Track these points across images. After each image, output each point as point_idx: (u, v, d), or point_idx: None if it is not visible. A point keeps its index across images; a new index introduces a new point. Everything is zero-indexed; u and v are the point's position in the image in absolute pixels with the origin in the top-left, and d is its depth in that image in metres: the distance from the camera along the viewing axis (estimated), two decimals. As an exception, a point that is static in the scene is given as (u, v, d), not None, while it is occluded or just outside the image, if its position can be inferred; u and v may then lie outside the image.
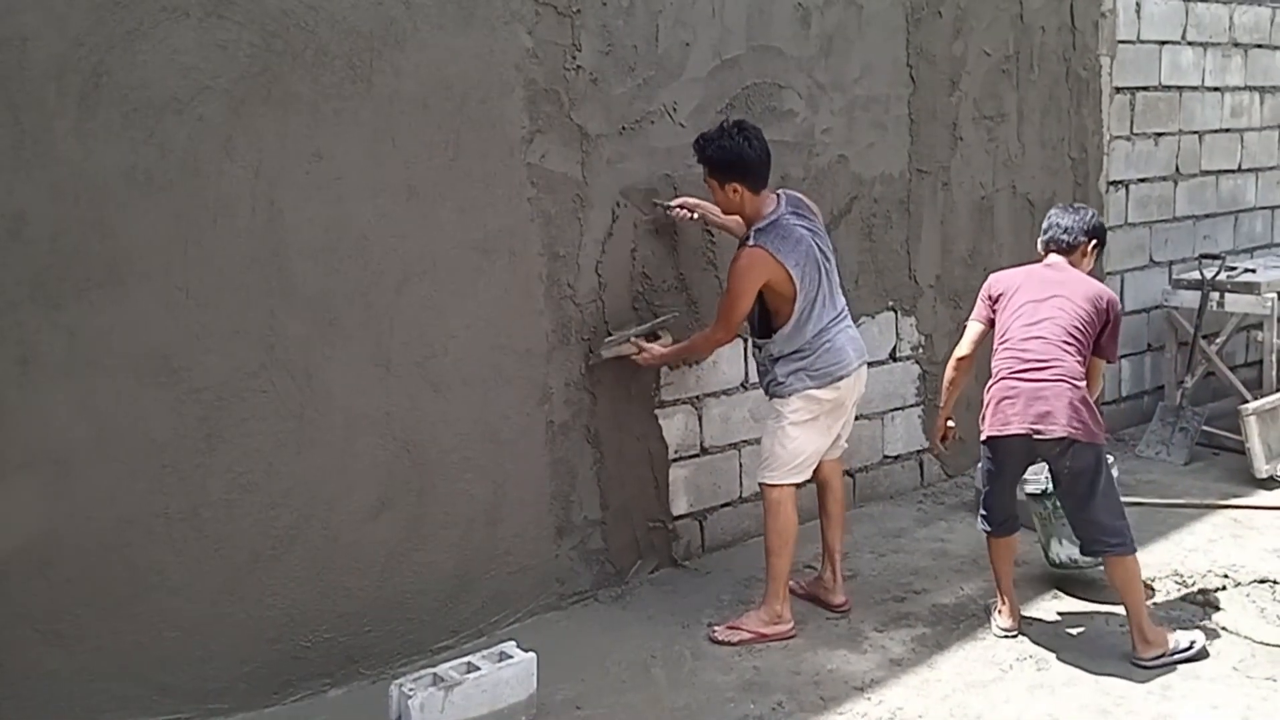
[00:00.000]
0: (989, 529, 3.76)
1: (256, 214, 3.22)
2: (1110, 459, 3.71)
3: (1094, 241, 3.83)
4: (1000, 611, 3.77)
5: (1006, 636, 3.72)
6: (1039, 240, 3.94)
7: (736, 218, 3.84)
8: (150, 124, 3.02)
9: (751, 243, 3.63)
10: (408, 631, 3.60)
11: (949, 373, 3.94)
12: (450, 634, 3.69)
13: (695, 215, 4.00)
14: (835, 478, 3.99)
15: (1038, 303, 3.63)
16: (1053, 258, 3.81)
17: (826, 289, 3.72)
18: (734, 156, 3.61)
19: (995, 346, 3.70)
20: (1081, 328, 3.56)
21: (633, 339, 3.93)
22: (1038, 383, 3.49)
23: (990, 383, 3.65)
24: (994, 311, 3.77)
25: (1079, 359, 3.53)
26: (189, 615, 3.20)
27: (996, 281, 3.85)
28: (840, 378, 3.70)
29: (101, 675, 3.08)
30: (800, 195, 3.83)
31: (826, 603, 3.93)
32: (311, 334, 3.35)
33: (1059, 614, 3.88)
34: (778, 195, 3.73)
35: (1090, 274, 3.81)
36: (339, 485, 3.44)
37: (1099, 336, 3.61)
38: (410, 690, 3.05)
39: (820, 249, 3.72)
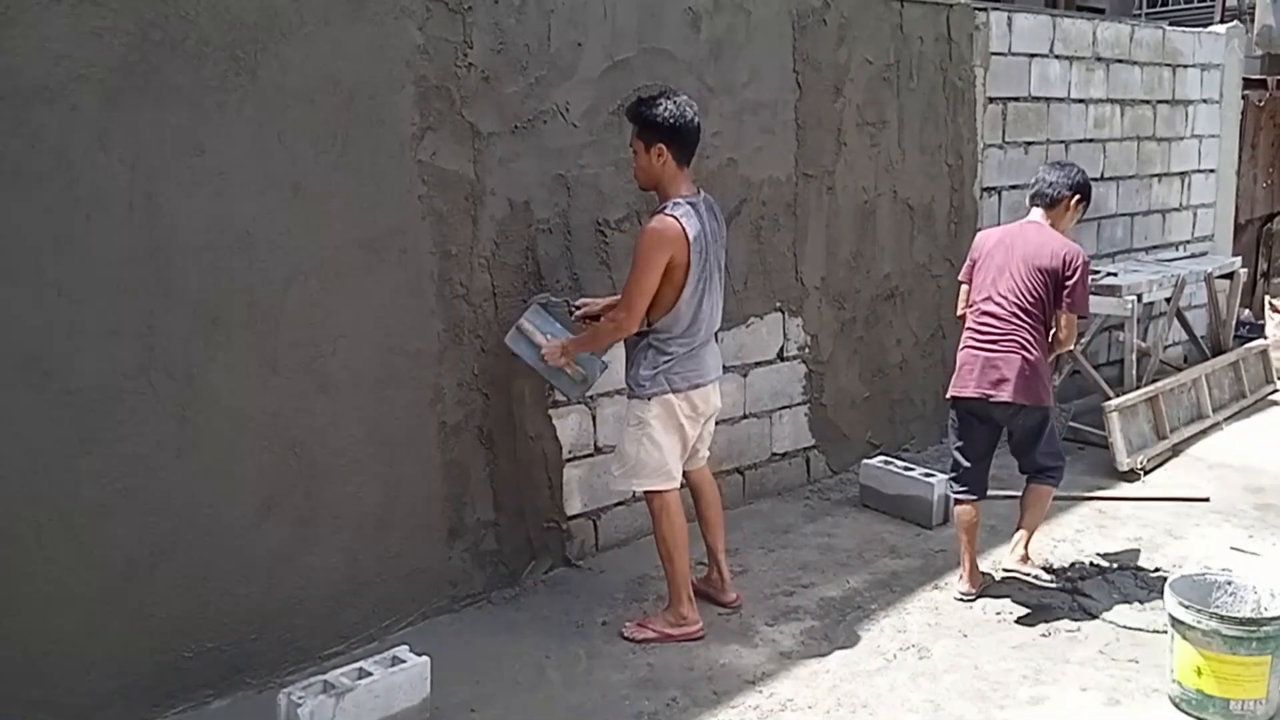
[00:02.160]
0: (958, 492, 4.10)
1: (134, 209, 3.10)
2: (1060, 409, 4.23)
3: (1077, 197, 4.12)
4: (961, 577, 4.04)
5: (965, 599, 3.99)
6: (1027, 195, 4.26)
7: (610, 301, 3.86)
8: (19, 114, 2.88)
9: (667, 211, 3.55)
10: (295, 638, 3.51)
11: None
12: (340, 640, 3.62)
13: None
14: (705, 484, 4.01)
15: (999, 271, 3.99)
16: (1035, 213, 4.12)
17: (715, 297, 3.73)
18: (667, 116, 3.55)
19: (969, 308, 4.11)
20: (1036, 296, 3.90)
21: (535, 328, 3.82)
22: (993, 352, 3.93)
23: (960, 346, 4.08)
24: (972, 268, 4.15)
25: (1032, 326, 3.90)
26: (61, 626, 3.07)
27: (978, 242, 4.22)
28: (699, 385, 3.69)
29: (-34, 693, 2.93)
30: (717, 203, 3.80)
31: (718, 600, 3.99)
32: (193, 333, 3.24)
33: (939, 604, 4.01)
34: (699, 189, 3.72)
35: (1069, 231, 4.14)
36: (222, 489, 3.34)
37: (1061, 293, 3.89)
38: (299, 698, 2.98)
39: (720, 257, 3.73)
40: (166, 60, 3.12)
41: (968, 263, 4.20)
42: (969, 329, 4.04)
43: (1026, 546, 4.07)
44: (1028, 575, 4.06)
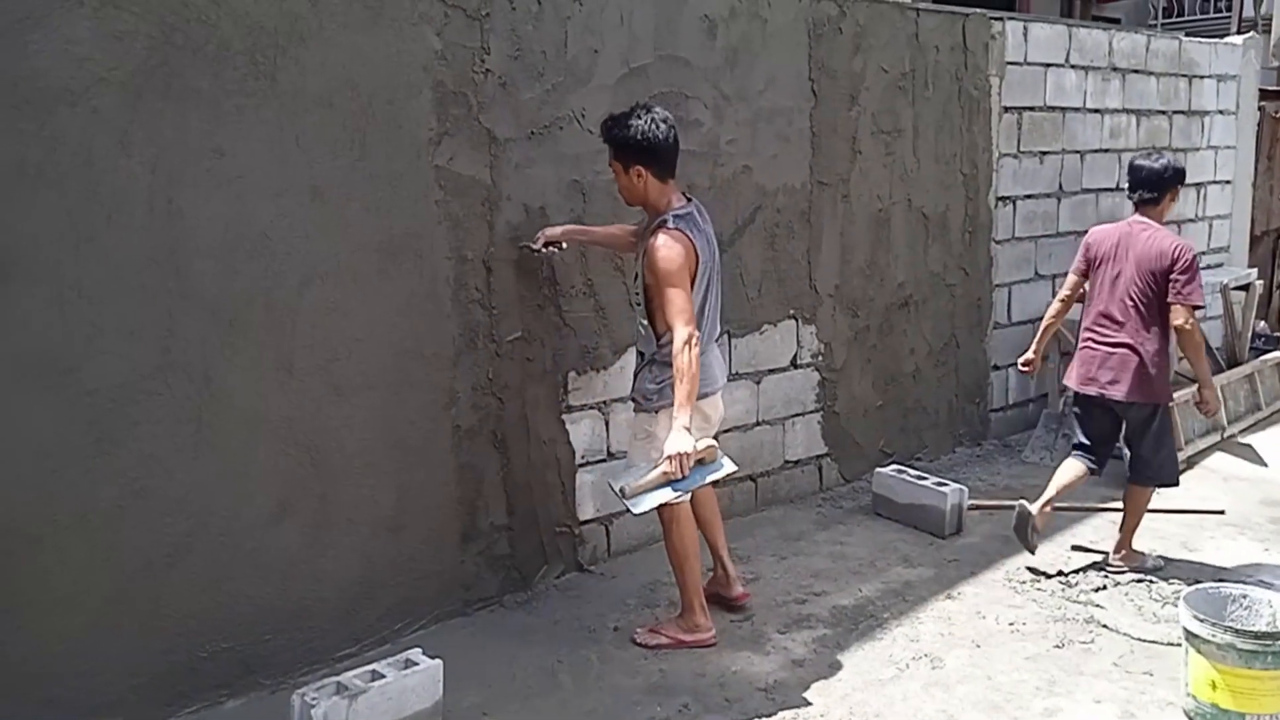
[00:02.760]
0: (1077, 451, 4.44)
1: (154, 211, 3.12)
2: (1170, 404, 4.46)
3: (1176, 188, 4.35)
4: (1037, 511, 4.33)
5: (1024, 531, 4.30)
6: (1127, 193, 4.47)
7: (614, 230, 3.90)
8: (42, 116, 2.91)
9: (671, 225, 3.51)
10: (309, 640, 3.52)
11: (1046, 318, 4.64)
12: (353, 642, 3.63)
13: (563, 245, 3.97)
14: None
15: (1115, 274, 4.26)
16: (1140, 212, 4.35)
17: (716, 304, 3.71)
18: (640, 138, 3.49)
19: (1085, 304, 4.40)
20: (1150, 296, 4.16)
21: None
22: (1110, 351, 4.23)
23: (1079, 339, 4.39)
24: (1087, 266, 4.39)
25: (1147, 325, 4.17)
26: (77, 626, 3.08)
27: (1092, 241, 4.42)
28: (707, 394, 3.67)
29: (-18, 690, 2.94)
30: (704, 209, 3.77)
31: (727, 597, 3.98)
32: (210, 335, 3.26)
33: (952, 615, 4.00)
34: (688, 196, 3.71)
35: (1167, 219, 4.40)
36: (238, 491, 3.35)
37: (1169, 286, 4.11)
38: (313, 699, 2.99)
39: (717, 264, 3.72)
40: (187, 64, 3.15)
41: (1080, 258, 4.45)
42: (1088, 328, 4.32)
43: (1125, 545, 4.34)
44: (1120, 570, 4.30)
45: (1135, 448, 4.31)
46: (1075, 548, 4.57)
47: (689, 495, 3.66)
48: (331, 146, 3.47)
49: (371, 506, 3.66)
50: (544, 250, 3.94)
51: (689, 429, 3.41)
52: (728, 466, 3.62)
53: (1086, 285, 4.45)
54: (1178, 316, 4.09)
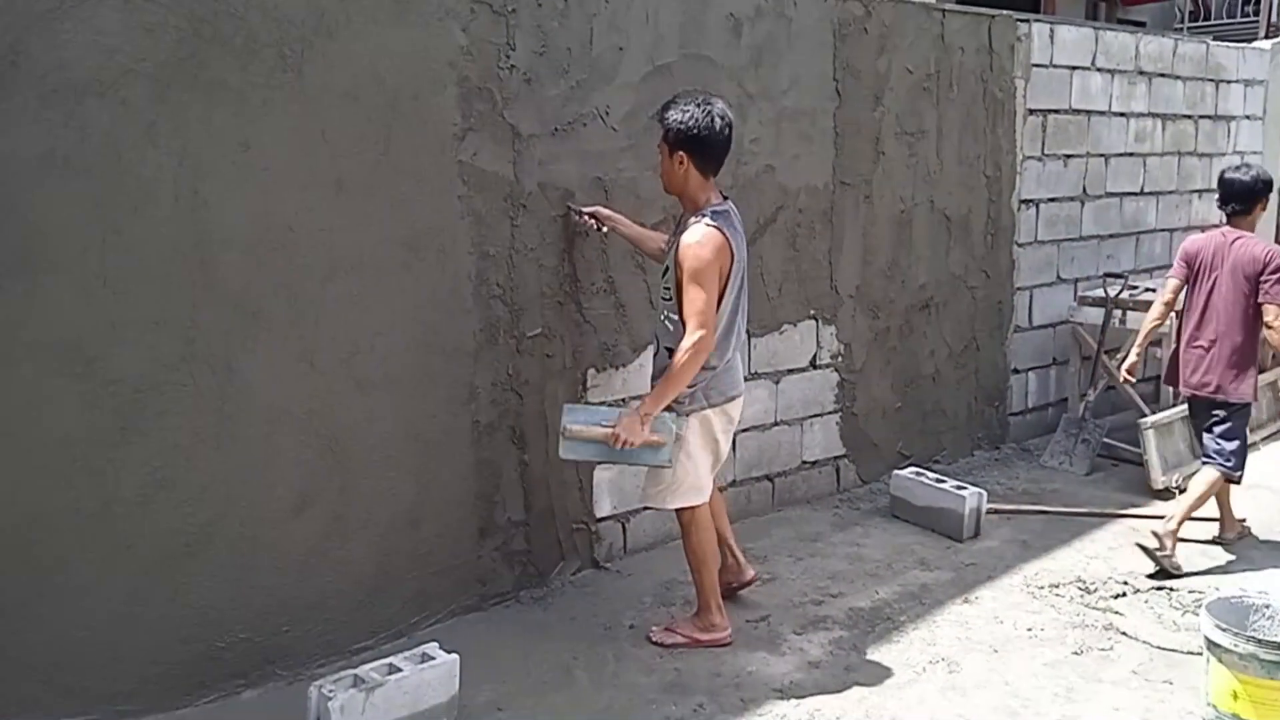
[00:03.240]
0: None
1: (180, 203, 3.13)
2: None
3: (1265, 198, 4.62)
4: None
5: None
6: (1218, 204, 4.71)
7: (651, 234, 3.90)
8: (70, 106, 2.92)
9: (710, 221, 3.46)
10: (326, 632, 3.54)
11: (1148, 321, 4.87)
12: (370, 635, 3.64)
13: (604, 228, 3.97)
14: None
15: (1212, 283, 4.52)
16: (1231, 221, 4.60)
17: (745, 306, 3.70)
18: (691, 124, 3.45)
19: (1185, 311, 4.69)
20: (1244, 302, 4.44)
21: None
22: (1210, 352, 4.52)
23: (1180, 343, 4.70)
24: (1187, 273, 4.64)
25: (1242, 329, 4.46)
26: (98, 615, 3.10)
27: (1191, 250, 4.66)
28: (733, 398, 3.67)
29: (3, 677, 2.97)
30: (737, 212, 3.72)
31: (740, 583, 4.01)
32: (234, 327, 3.27)
33: (970, 619, 3.98)
34: (725, 196, 3.68)
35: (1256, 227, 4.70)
36: (258, 482, 3.37)
37: (1261, 287, 4.40)
38: (330, 692, 3.00)
39: (747, 266, 3.70)
40: (216, 56, 3.16)
41: (1179, 263, 4.69)
42: (1189, 333, 4.60)
43: (1178, 525, 4.42)
44: (1156, 553, 4.35)
45: (1213, 437, 4.57)
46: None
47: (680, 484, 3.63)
48: (357, 141, 3.47)
49: (390, 500, 3.67)
50: (584, 219, 3.95)
51: (647, 421, 3.45)
52: (665, 457, 3.54)
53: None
54: (1269, 314, 4.38)
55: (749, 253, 4.65)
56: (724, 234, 3.48)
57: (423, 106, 3.62)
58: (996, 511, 4.96)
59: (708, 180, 3.57)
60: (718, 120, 3.50)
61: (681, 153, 3.50)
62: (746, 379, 4.74)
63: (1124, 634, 3.85)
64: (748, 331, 4.71)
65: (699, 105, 3.50)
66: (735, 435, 4.73)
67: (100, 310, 3.03)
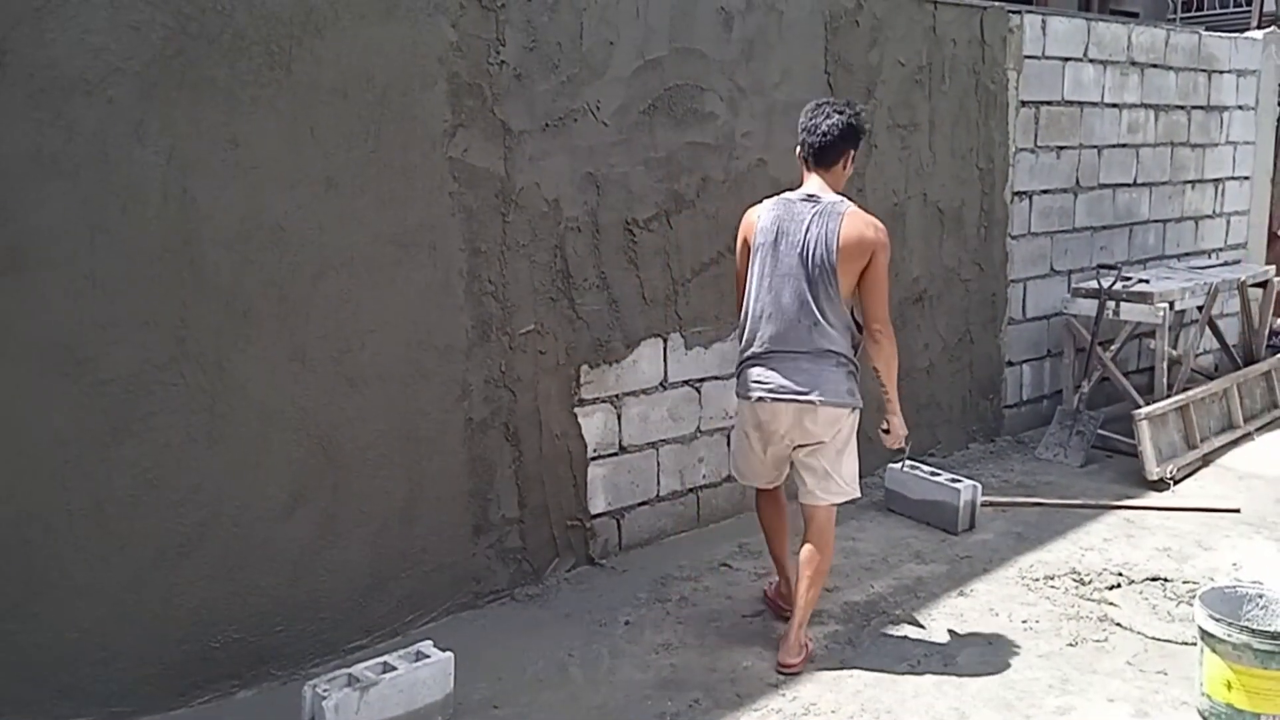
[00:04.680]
0: None
1: (168, 201, 3.12)
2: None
3: None
4: None
5: None
6: None
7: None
8: (58, 105, 2.91)
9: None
10: (320, 631, 3.53)
11: None
12: (364, 633, 3.63)
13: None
14: (806, 522, 3.71)
15: None
16: None
17: (784, 304, 3.55)
18: (801, 119, 3.62)
19: None
20: None
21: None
22: None
23: None
24: None
25: None
26: (91, 615, 3.10)
27: None
28: (756, 398, 3.60)
29: (-4, 678, 2.96)
30: (834, 214, 3.56)
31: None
32: (224, 326, 3.26)
33: (964, 611, 3.98)
34: (817, 194, 3.58)
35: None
36: (251, 481, 3.36)
37: None
38: (325, 691, 2.99)
39: (801, 266, 3.54)
40: (203, 54, 3.14)
41: None
42: None
43: None
44: None
45: None
46: None
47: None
48: (346, 138, 3.46)
49: (383, 498, 3.66)
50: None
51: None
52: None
53: None
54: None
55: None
56: (754, 213, 3.66)
57: (412, 103, 3.61)
58: (991, 504, 4.96)
59: (807, 171, 3.62)
60: (817, 116, 3.58)
61: (798, 144, 3.63)
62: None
63: (1119, 625, 3.85)
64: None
65: (816, 102, 3.63)
66: (729, 430, 4.77)
67: (90, 310, 3.02)
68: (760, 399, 3.55)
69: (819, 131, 3.54)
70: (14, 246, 2.90)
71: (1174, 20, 11.98)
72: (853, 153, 3.60)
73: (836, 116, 3.54)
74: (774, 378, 3.53)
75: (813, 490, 3.61)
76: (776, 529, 3.87)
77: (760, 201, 3.68)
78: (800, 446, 3.59)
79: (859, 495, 3.73)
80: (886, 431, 3.76)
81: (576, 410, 4.20)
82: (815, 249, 3.45)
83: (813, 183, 3.58)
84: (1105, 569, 4.33)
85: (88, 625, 3.09)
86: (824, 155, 3.56)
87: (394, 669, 3.13)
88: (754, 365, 3.58)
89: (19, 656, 2.99)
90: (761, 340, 3.55)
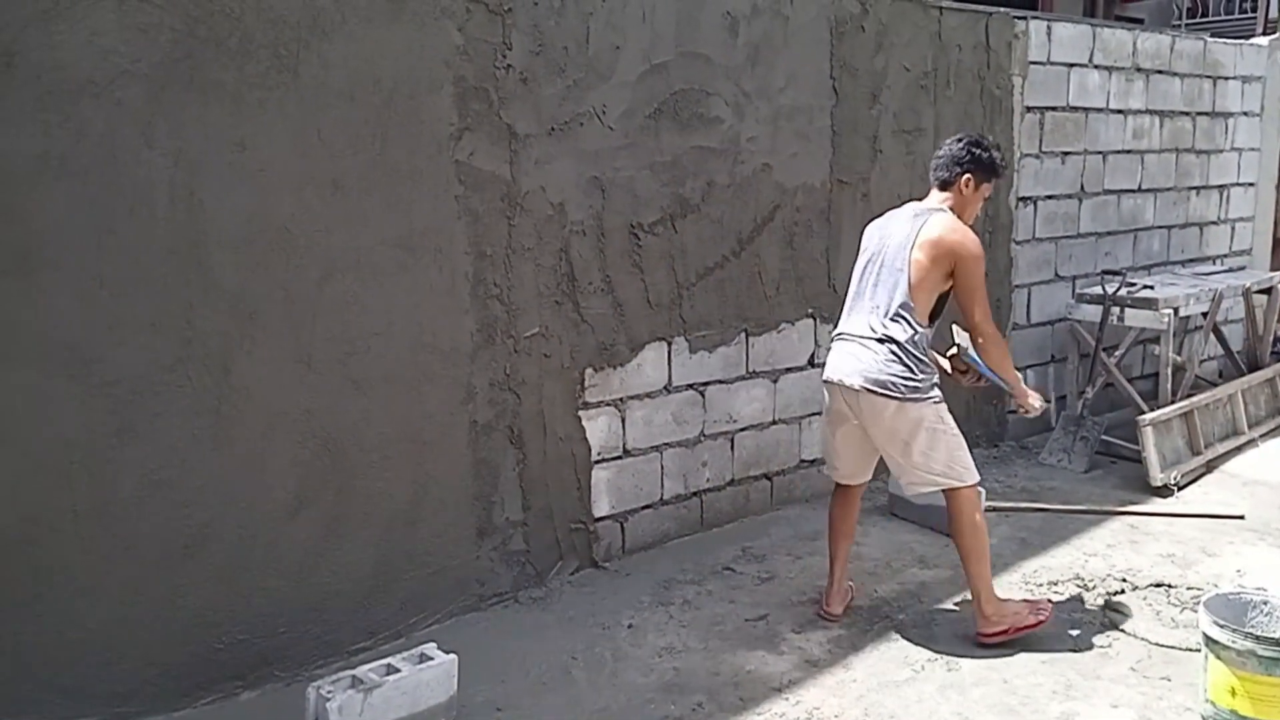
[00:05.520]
0: None
1: (176, 203, 3.13)
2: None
3: None
4: None
5: None
6: None
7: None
8: (66, 107, 2.92)
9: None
10: (324, 633, 3.54)
11: None
12: (368, 635, 3.64)
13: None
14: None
15: None
16: None
17: (864, 296, 3.78)
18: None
19: None
20: None
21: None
22: None
23: None
24: None
25: None
26: (95, 616, 3.10)
27: None
28: (829, 380, 3.80)
29: (1, 678, 2.97)
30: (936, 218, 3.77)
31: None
32: (230, 328, 3.27)
33: (968, 617, 3.98)
34: (927, 206, 3.81)
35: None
36: (256, 483, 3.37)
37: None
38: (328, 693, 3.00)
39: (884, 264, 3.74)
40: (211, 57, 3.16)
41: None
42: None
43: None
44: None
45: None
46: None
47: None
48: (353, 141, 3.47)
49: (388, 500, 3.67)
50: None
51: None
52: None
53: None
54: None
55: (747, 250, 4.70)
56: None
57: (419, 106, 3.62)
58: (995, 509, 4.96)
59: (930, 189, 3.87)
60: (942, 146, 3.91)
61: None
62: (743, 378, 4.78)
63: (1122, 631, 3.85)
64: (745, 330, 4.75)
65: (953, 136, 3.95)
66: (733, 434, 4.78)
67: (97, 311, 3.03)
68: (825, 380, 3.80)
69: (938, 152, 3.87)
70: (21, 247, 2.91)
71: (1179, 26, 11.98)
72: (972, 178, 3.78)
73: (960, 143, 3.82)
74: (834, 360, 3.76)
75: (901, 483, 3.92)
76: (836, 527, 3.98)
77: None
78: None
79: (964, 483, 3.73)
80: (1023, 412, 3.93)
81: (581, 413, 4.21)
82: (898, 244, 3.67)
83: (931, 198, 3.83)
84: (1109, 575, 4.33)
85: (92, 626, 3.10)
86: (936, 172, 3.84)
87: (398, 671, 3.14)
88: (830, 350, 3.81)
89: (23, 656, 3.00)
90: (839, 327, 3.81)
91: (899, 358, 3.60)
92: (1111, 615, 3.98)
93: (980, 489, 4.80)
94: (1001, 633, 3.70)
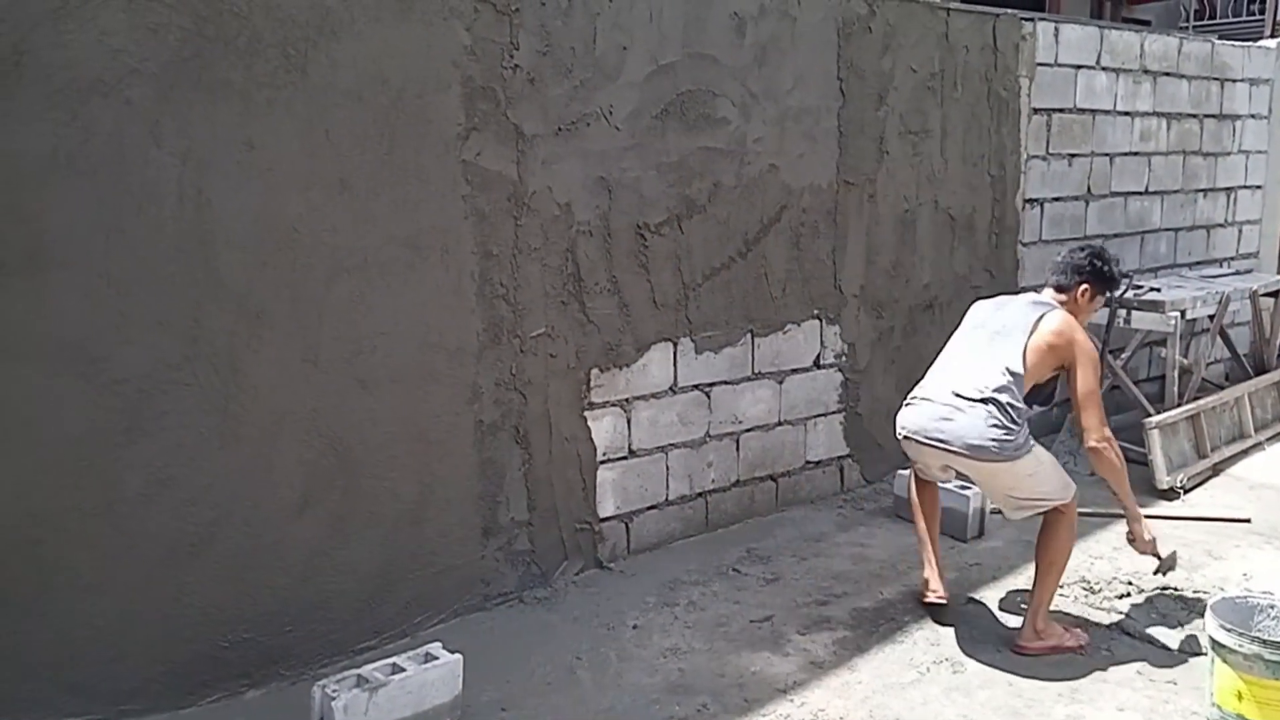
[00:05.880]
0: None
1: (184, 202, 3.14)
2: None
3: None
4: None
5: None
6: None
7: None
8: (74, 106, 2.93)
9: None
10: (329, 632, 3.54)
11: None
12: (373, 635, 3.64)
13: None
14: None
15: None
16: None
17: (954, 365, 3.89)
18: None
19: None
20: None
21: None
22: None
23: None
24: None
25: None
26: (101, 614, 3.11)
27: None
28: (904, 435, 3.90)
29: (6, 675, 2.98)
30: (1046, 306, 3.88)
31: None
32: (237, 327, 3.28)
33: (974, 618, 3.98)
34: (1045, 298, 3.95)
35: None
36: (262, 482, 3.37)
37: None
38: (334, 691, 3.00)
39: (986, 337, 3.84)
40: (219, 56, 3.16)
41: None
42: None
43: None
44: None
45: None
46: None
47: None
48: (360, 140, 3.47)
49: (393, 500, 3.67)
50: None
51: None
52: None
53: None
54: None
55: (753, 252, 4.70)
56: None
57: (426, 106, 3.62)
58: (999, 512, 4.94)
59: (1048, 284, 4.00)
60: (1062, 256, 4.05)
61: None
62: (749, 378, 4.78)
63: (1128, 634, 3.84)
64: (751, 331, 4.75)
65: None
66: (738, 435, 4.78)
67: (105, 310, 3.04)
68: (909, 439, 3.83)
69: (1058, 257, 4.01)
70: (30, 246, 2.91)
71: (1187, 29, 11.96)
72: (1090, 289, 3.91)
73: (1082, 253, 3.94)
74: (921, 420, 3.78)
75: (1005, 512, 3.90)
76: (927, 510, 4.08)
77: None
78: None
79: (1065, 499, 3.74)
80: (1131, 542, 3.92)
81: (586, 414, 4.21)
82: (1015, 324, 3.76)
83: (1045, 294, 3.95)
84: (1115, 578, 4.32)
85: (98, 624, 3.10)
86: (1055, 275, 3.97)
87: (403, 670, 3.14)
88: (909, 408, 3.86)
89: (29, 654, 3.01)
90: (923, 390, 3.86)
91: (1000, 420, 3.59)
92: (1118, 619, 3.97)
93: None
94: (1044, 648, 3.69)
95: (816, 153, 4.93)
